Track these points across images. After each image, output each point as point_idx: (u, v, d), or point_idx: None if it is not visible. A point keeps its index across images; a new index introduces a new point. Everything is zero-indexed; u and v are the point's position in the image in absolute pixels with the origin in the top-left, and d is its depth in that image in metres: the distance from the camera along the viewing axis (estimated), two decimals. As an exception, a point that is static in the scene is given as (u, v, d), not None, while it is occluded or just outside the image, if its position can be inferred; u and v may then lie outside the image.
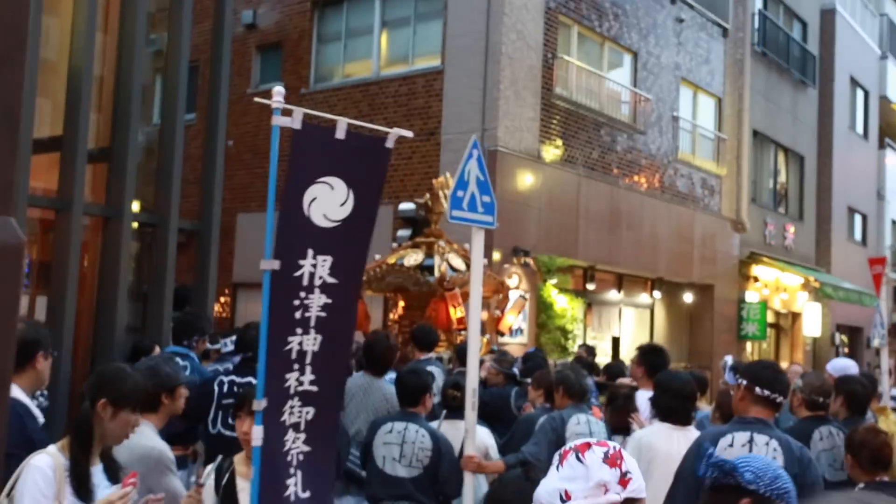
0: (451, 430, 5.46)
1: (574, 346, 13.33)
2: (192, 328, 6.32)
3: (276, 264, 3.11)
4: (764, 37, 19.16)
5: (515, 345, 12.06)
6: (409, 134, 3.56)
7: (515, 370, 7.46)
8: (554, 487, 1.92)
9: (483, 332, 9.13)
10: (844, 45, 22.79)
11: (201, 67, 15.76)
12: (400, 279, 8.67)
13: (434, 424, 5.42)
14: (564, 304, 13.30)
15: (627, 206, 14.71)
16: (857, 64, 23.77)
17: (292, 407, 3.12)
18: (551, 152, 13.24)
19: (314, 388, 3.16)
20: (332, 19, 14.55)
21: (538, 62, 12.92)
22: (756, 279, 18.92)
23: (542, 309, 12.97)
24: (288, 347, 3.10)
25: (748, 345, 18.85)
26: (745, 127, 18.17)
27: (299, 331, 3.13)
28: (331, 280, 3.22)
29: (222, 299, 15.05)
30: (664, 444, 4.15)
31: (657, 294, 16.27)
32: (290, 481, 3.10)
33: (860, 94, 24.42)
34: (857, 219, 24.05)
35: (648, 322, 16.59)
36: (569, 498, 1.89)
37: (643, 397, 5.76)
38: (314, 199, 3.21)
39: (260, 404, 3.02)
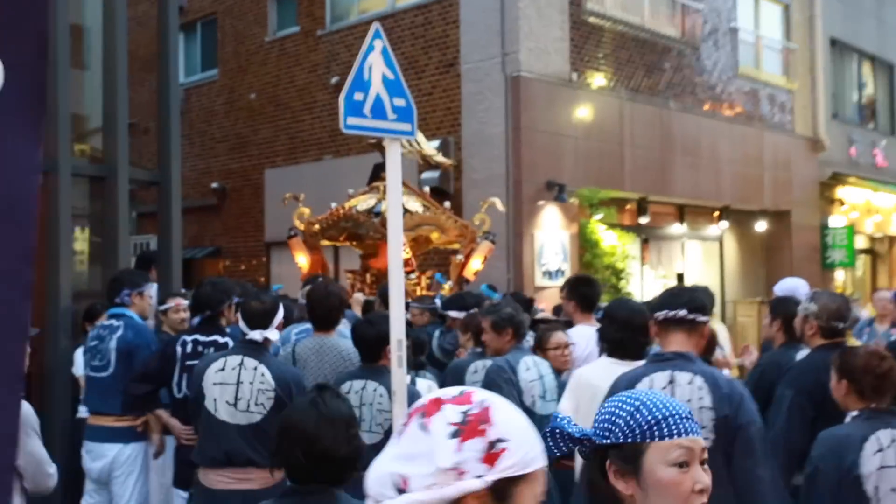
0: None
1: (628, 286, 12.21)
2: (119, 284, 5.61)
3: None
4: (837, -68, 17.21)
5: (555, 288, 11.03)
6: None
7: (437, 303, 6.69)
8: (386, 472, 1.33)
9: (444, 280, 8.45)
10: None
11: (220, 19, 15.08)
12: (350, 225, 7.80)
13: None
14: (613, 241, 12.14)
15: (681, 129, 13.33)
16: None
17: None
18: (586, 75, 11.99)
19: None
20: (345, -47, 13.58)
21: (563, -26, 11.65)
22: (842, 202, 17.18)
23: (586, 247, 11.85)
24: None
25: (838, 273, 17.18)
26: (819, 35, 16.34)
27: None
28: None
29: (255, 261, 14.46)
30: (607, 382, 3.43)
31: (724, 224, 14.86)
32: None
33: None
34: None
35: (717, 255, 15.21)
36: (406, 487, 1.30)
37: (579, 333, 5.06)
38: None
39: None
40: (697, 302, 3.24)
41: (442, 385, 5.20)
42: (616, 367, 3.72)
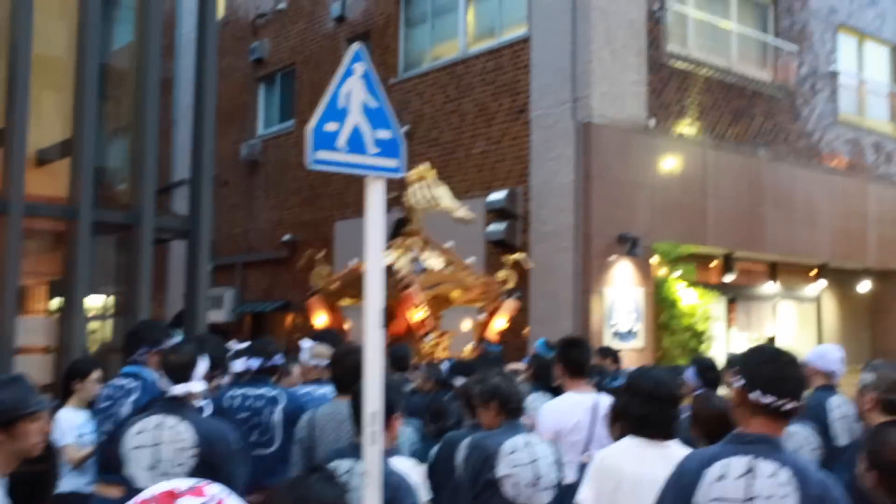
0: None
1: (709, 350, 11.25)
2: (137, 340, 5.10)
3: None
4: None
5: (629, 350, 10.21)
6: None
7: (442, 370, 6.17)
8: None
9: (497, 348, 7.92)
10: None
11: (298, 69, 15.03)
12: None
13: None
14: (694, 301, 11.24)
15: (772, 180, 12.36)
16: None
17: None
18: (665, 122, 11.24)
19: None
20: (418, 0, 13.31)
21: (641, 15, 11.01)
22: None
23: (663, 307, 10.98)
24: None
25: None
26: (931, 79, 15.14)
27: None
28: None
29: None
30: (633, 466, 3.25)
31: (822, 283, 13.68)
32: None
33: None
34: None
35: (815, 317, 14.00)
36: None
37: (567, 401, 4.68)
38: None
39: None
40: (798, 383, 2.67)
41: (435, 460, 4.57)
42: (643, 449, 3.36)
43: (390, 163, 3.58)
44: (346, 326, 8.59)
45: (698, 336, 11.17)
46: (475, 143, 11.77)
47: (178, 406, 3.82)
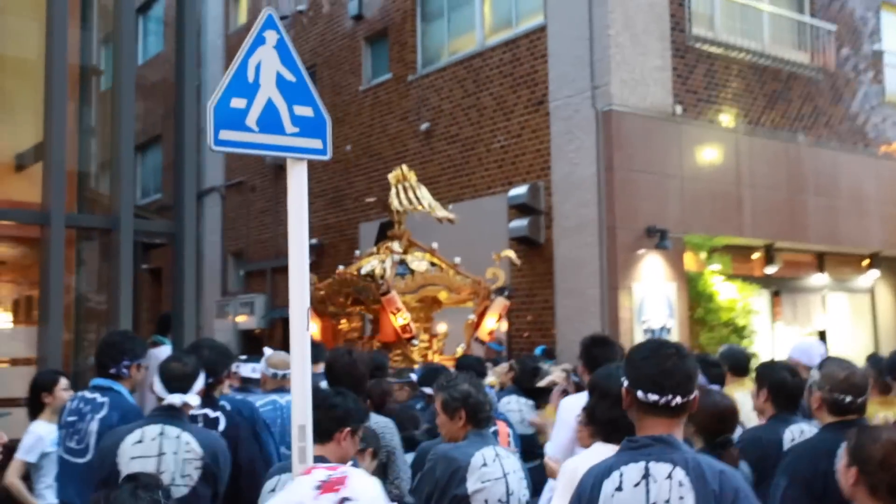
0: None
1: (751, 346, 10.62)
2: (117, 351, 4.74)
3: None
4: None
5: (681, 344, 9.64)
6: None
7: (412, 377, 5.81)
8: None
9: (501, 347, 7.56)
10: None
11: (318, 70, 14.77)
12: (353, 290, 7.11)
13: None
14: (733, 294, 10.63)
15: (814, 166, 11.67)
16: None
17: None
18: (694, 108, 10.66)
19: None
20: (435, -6, 12.93)
21: (662, -2, 10.46)
22: None
23: (698, 301, 10.40)
24: None
25: None
26: None
27: None
28: None
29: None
30: None
31: (875, 273, 12.89)
32: None
33: None
34: None
35: (868, 309, 13.19)
36: None
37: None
38: None
39: None
40: (681, 378, 2.47)
41: (413, 471, 4.18)
42: None
43: (313, 143, 3.16)
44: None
45: (739, 331, 10.58)
46: (495, 138, 11.33)
47: (176, 416, 3.67)
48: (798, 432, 3.83)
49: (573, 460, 3.29)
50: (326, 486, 1.74)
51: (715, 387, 4.81)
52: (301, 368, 3.11)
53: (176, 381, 3.71)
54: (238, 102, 3.03)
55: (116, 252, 6.25)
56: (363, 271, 7.47)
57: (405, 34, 12.97)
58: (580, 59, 10.17)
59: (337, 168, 14.21)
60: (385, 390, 4.88)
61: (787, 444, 3.77)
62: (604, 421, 3.16)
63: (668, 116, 10.34)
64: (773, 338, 11.57)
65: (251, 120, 3.06)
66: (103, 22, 7.41)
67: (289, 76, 3.14)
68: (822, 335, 12.37)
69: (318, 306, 7.71)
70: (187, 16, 6.79)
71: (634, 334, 9.77)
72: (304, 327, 3.14)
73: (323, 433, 3.31)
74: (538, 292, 10.57)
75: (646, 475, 2.42)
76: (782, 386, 3.95)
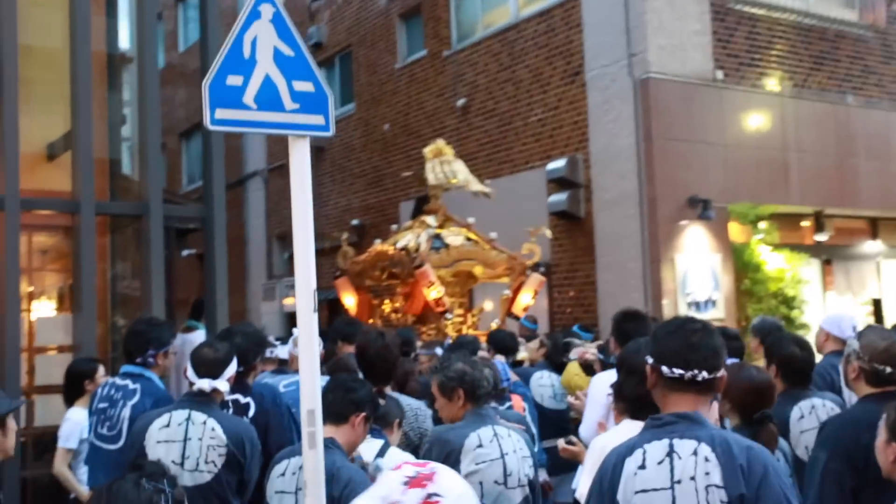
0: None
1: (802, 317, 10.34)
2: (144, 340, 4.74)
3: None
4: None
5: (708, 320, 9.42)
6: None
7: (439, 350, 5.75)
8: None
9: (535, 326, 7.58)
10: None
11: (354, 51, 14.70)
12: (388, 264, 7.10)
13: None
14: (781, 264, 10.34)
15: (864, 128, 11.26)
16: None
17: None
18: (735, 73, 10.33)
19: None
20: (469, -34, 12.73)
21: (699, -41, 10.13)
22: None
23: (745, 272, 10.13)
24: None
25: None
26: None
27: None
28: None
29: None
30: None
31: (931, 238, 12.43)
32: None
33: None
34: None
35: (926, 276, 12.75)
36: None
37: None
38: None
39: None
40: (708, 352, 2.41)
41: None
42: None
43: (315, 119, 3.09)
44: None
45: (788, 302, 10.29)
46: (532, 111, 11.14)
47: (205, 402, 3.68)
48: (808, 408, 3.77)
49: (601, 438, 3.25)
50: (414, 482, 1.75)
51: (732, 360, 4.70)
52: (309, 351, 3.05)
53: (206, 366, 3.71)
54: (234, 80, 2.96)
55: (147, 238, 6.26)
56: (398, 245, 7.44)
57: (439, 9, 12.81)
58: (616, 27, 9.92)
59: (375, 148, 14.16)
60: (407, 370, 4.81)
61: (794, 422, 3.73)
62: (632, 397, 3.07)
63: (708, 82, 10.04)
64: (824, 308, 11.22)
65: (248, 97, 2.99)
66: (133, 9, 7.42)
67: (287, 51, 3.06)
68: (877, 304, 11.99)
69: (355, 279, 7.78)
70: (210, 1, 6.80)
71: (678, 308, 9.56)
72: (311, 309, 3.08)
73: (339, 415, 3.28)
74: (580, 267, 10.40)
75: (670, 452, 2.35)
76: (791, 360, 3.87)
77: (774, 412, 3.69)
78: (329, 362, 5.89)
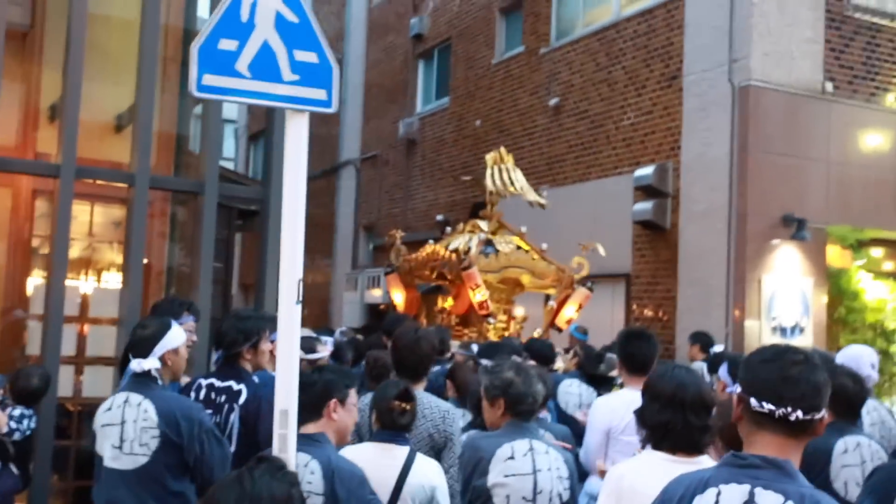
0: (383, 457, 3.33)
1: (901, 351, 9.60)
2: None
3: None
4: None
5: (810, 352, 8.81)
6: None
7: (474, 349, 5.72)
8: None
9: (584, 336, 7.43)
10: None
11: (454, 44, 14.51)
12: (438, 264, 7.06)
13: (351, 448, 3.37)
14: (883, 294, 9.62)
15: None
16: None
17: None
18: (848, 86, 9.62)
19: None
20: (574, -38, 12.33)
21: (817, -38, 9.47)
22: None
23: (841, 299, 9.44)
24: None
25: None
26: None
27: None
28: None
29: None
30: (656, 487, 2.40)
31: None
32: None
33: None
34: None
35: None
36: None
37: (620, 399, 4.11)
38: None
39: None
40: (809, 389, 2.06)
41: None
42: (669, 466, 2.70)
43: (316, 93, 2.82)
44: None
45: (888, 335, 9.58)
46: (625, 115, 10.69)
47: (143, 383, 3.55)
48: (853, 444, 3.61)
49: (619, 467, 2.97)
50: None
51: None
52: (288, 346, 2.81)
53: (136, 346, 3.60)
54: (228, 44, 2.73)
55: (200, 216, 6.17)
56: (450, 248, 7.32)
57: (540, 5, 12.46)
58: (719, 30, 9.37)
59: (466, 144, 13.93)
60: (467, 380, 4.62)
61: (837, 456, 3.60)
62: (653, 425, 2.87)
63: (816, 94, 9.38)
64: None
65: (242, 65, 2.75)
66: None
67: (291, 16, 2.81)
68: None
69: (405, 277, 7.78)
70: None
71: (762, 332, 8.97)
72: (294, 300, 2.84)
73: (311, 410, 3.11)
74: (661, 280, 9.90)
75: (749, 501, 2.05)
76: (842, 392, 3.62)
77: (819, 442, 3.43)
78: (368, 358, 5.71)
